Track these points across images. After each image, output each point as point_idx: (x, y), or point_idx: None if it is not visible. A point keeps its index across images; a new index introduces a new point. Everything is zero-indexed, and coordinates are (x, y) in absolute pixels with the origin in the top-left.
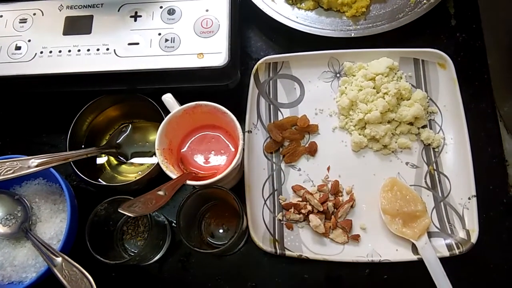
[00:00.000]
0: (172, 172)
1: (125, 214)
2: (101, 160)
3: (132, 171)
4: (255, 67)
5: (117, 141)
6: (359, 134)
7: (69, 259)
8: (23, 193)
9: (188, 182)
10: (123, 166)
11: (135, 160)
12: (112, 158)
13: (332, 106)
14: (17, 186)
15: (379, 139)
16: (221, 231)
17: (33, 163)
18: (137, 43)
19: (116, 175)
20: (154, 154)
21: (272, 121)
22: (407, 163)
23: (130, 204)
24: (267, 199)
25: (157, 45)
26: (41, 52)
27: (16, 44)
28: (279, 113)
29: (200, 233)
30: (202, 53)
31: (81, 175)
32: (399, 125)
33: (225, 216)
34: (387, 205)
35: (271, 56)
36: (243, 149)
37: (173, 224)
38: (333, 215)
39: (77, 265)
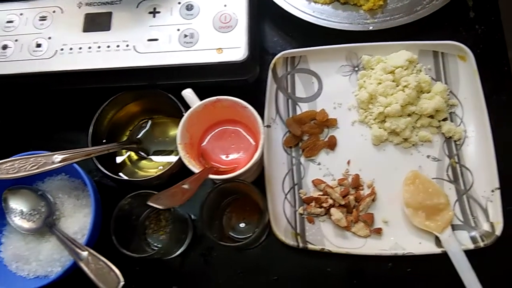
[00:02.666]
0: (194, 167)
1: (149, 208)
2: (122, 155)
3: (152, 166)
4: (273, 61)
5: (137, 137)
6: (379, 128)
7: (95, 253)
8: (46, 189)
9: (211, 176)
10: (143, 161)
11: (155, 156)
12: (132, 154)
13: (351, 100)
14: (39, 182)
15: (400, 132)
16: (242, 225)
17: (57, 158)
18: (156, 39)
19: (136, 170)
20: (173, 150)
21: (290, 116)
22: (428, 156)
23: (157, 197)
24: (287, 193)
25: (177, 41)
26: (62, 49)
27: (37, 42)
28: (297, 107)
29: (221, 227)
30: (221, 48)
31: (105, 171)
32: (420, 118)
33: (246, 210)
34: (409, 199)
35: (289, 50)
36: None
37: (192, 218)
38: (355, 209)
39: (103, 258)
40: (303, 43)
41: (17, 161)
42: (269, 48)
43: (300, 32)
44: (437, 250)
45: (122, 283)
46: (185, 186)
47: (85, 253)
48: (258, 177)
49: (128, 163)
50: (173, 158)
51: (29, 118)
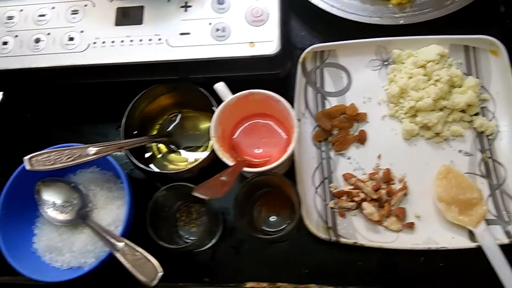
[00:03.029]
0: (228, 160)
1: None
2: (151, 148)
3: (180, 159)
4: (302, 55)
5: (168, 130)
6: (410, 122)
7: (131, 244)
8: (78, 181)
9: (245, 169)
10: (172, 154)
11: (184, 150)
12: (161, 147)
13: (381, 94)
14: (71, 174)
15: (431, 126)
16: (272, 218)
17: (91, 151)
18: (188, 33)
19: (165, 163)
20: (201, 145)
21: (320, 110)
22: (460, 151)
23: (200, 188)
24: (318, 187)
25: (209, 35)
26: (94, 43)
27: (69, 35)
28: (326, 102)
29: (252, 220)
30: (253, 42)
31: (138, 163)
32: (451, 113)
33: (277, 204)
34: (442, 193)
35: (318, 44)
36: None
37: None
38: (386, 203)
39: (140, 249)
40: (331, 38)
41: (53, 153)
42: (296, 42)
43: (327, 26)
44: (471, 245)
45: (160, 273)
46: (223, 178)
47: (121, 244)
48: (287, 171)
49: (158, 156)
50: (201, 153)
51: (57, 112)
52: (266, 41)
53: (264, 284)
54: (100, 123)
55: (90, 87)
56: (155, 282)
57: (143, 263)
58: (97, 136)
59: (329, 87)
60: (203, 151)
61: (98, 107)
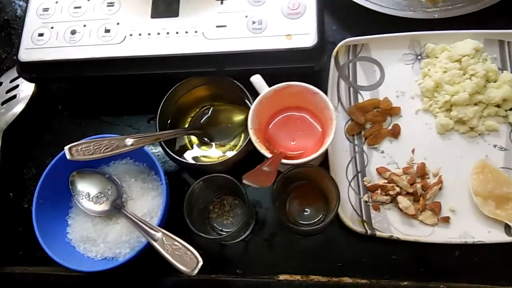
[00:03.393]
0: (266, 152)
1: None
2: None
3: (212, 152)
4: (336, 49)
5: (201, 122)
6: (445, 117)
7: (170, 234)
8: (112, 172)
9: (283, 161)
10: (203, 147)
11: (218, 142)
12: (194, 139)
13: (414, 89)
14: (104, 165)
15: (467, 121)
16: (306, 212)
17: (128, 142)
18: (225, 26)
19: (197, 155)
20: (234, 137)
21: (352, 104)
22: (494, 146)
23: (248, 177)
24: (351, 180)
25: (245, 27)
26: (131, 35)
27: (105, 27)
28: (359, 95)
29: (285, 213)
30: (290, 35)
31: (173, 155)
32: (486, 107)
33: (310, 197)
34: (478, 187)
35: (352, 38)
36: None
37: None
38: (422, 197)
39: (179, 239)
40: (362, 31)
41: (92, 143)
42: (328, 36)
43: (358, 20)
44: (508, 239)
45: (201, 263)
46: (266, 169)
47: (159, 234)
48: (319, 165)
49: (190, 148)
50: (233, 146)
51: (87, 104)
52: (303, 33)
53: (297, 277)
54: (131, 115)
55: (125, 79)
56: (195, 272)
57: (182, 253)
58: (129, 128)
59: (361, 81)
60: (234, 144)
61: (129, 99)
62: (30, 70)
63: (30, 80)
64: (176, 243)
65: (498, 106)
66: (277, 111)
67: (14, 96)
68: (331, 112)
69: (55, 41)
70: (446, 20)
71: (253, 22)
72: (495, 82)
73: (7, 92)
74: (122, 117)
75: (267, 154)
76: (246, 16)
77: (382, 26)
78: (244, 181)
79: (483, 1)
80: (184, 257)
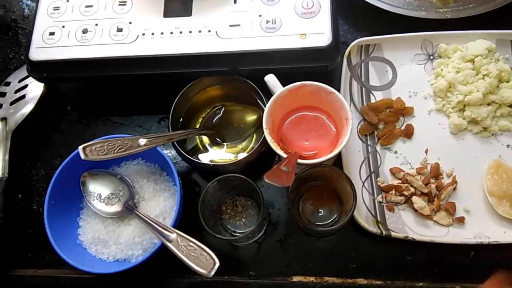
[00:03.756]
0: (281, 152)
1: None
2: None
3: (224, 152)
4: (348, 49)
5: (213, 122)
6: (458, 117)
7: (185, 235)
8: (123, 173)
9: (299, 160)
10: (214, 147)
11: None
12: (205, 139)
13: (426, 89)
14: (115, 166)
15: (480, 121)
16: (320, 212)
17: (142, 142)
18: (238, 25)
19: (209, 155)
20: (246, 138)
21: (364, 104)
22: (508, 146)
23: (269, 176)
24: (364, 181)
25: (259, 26)
26: (143, 34)
27: (118, 26)
28: (371, 95)
29: (299, 213)
30: (304, 34)
31: (186, 155)
32: (499, 107)
33: (324, 198)
34: (493, 187)
35: (364, 38)
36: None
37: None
38: (436, 198)
39: (194, 240)
40: (373, 31)
41: (106, 143)
42: (340, 36)
43: (370, 20)
44: None
45: (217, 264)
46: (284, 168)
47: (173, 235)
48: (332, 164)
49: (201, 148)
50: (244, 147)
51: (97, 104)
52: (317, 33)
53: (311, 278)
54: (141, 116)
55: (137, 79)
56: (212, 273)
57: (198, 254)
58: (139, 128)
59: (374, 81)
60: (246, 144)
61: (138, 100)
62: (41, 70)
63: (40, 79)
64: (192, 244)
65: (511, 106)
66: (291, 110)
67: (23, 96)
68: (347, 112)
69: (67, 40)
70: (458, 20)
71: (267, 21)
72: (507, 82)
73: (16, 92)
74: (132, 117)
75: (283, 154)
76: (260, 15)
77: (394, 26)
78: (266, 180)
79: (495, 1)
80: (200, 258)
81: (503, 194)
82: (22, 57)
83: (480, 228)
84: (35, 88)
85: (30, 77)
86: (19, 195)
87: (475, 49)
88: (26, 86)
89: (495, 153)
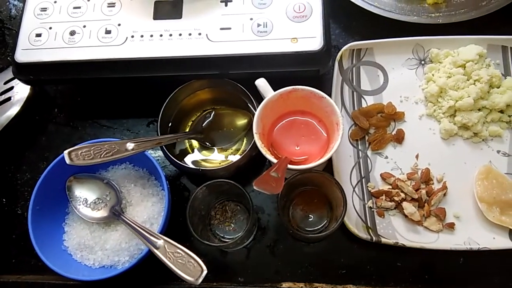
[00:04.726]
0: (271, 157)
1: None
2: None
3: (214, 157)
4: (340, 53)
5: (202, 126)
6: (449, 122)
7: (172, 241)
8: (110, 178)
9: (289, 166)
10: (204, 151)
11: (220, 147)
12: (194, 143)
13: (418, 94)
14: (102, 170)
15: (471, 126)
16: (309, 218)
17: (129, 146)
18: (229, 28)
19: (198, 160)
20: (235, 143)
21: (356, 109)
22: (498, 151)
23: (258, 183)
24: (355, 186)
25: (250, 30)
26: (132, 36)
27: (106, 28)
28: (362, 100)
29: (289, 219)
30: (296, 38)
31: (175, 159)
32: (490, 113)
33: (314, 203)
34: (483, 193)
35: (356, 42)
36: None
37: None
38: (426, 203)
39: (181, 247)
40: (365, 36)
41: (93, 148)
42: (332, 40)
43: (361, 24)
44: None
45: (205, 271)
46: (273, 174)
47: (160, 242)
48: (323, 170)
49: (190, 152)
50: (234, 151)
51: (84, 107)
52: (309, 37)
53: (301, 284)
54: (130, 119)
55: (126, 82)
56: (200, 281)
57: (185, 262)
58: (127, 132)
59: (365, 85)
60: (236, 149)
61: (127, 103)
62: (27, 72)
63: (26, 82)
64: (179, 250)
65: (501, 111)
66: (281, 115)
67: (9, 99)
68: (338, 117)
69: (54, 42)
70: (450, 25)
71: (258, 25)
72: (498, 87)
73: (1, 94)
74: (120, 121)
75: (273, 160)
76: (251, 19)
77: (386, 31)
78: (255, 188)
79: (487, 7)
80: (187, 265)
81: (493, 200)
82: (8, 58)
83: (470, 234)
84: (21, 90)
85: (16, 79)
86: (3, 199)
87: (467, 54)
88: (12, 88)
89: (485, 158)
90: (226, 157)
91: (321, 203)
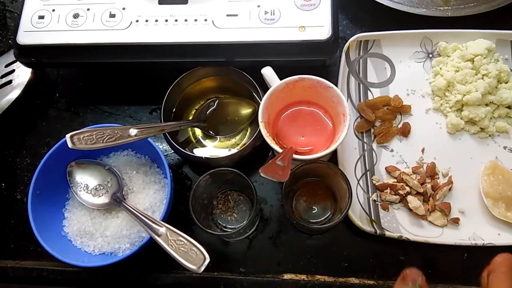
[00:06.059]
0: (276, 146)
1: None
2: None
3: (217, 146)
4: (347, 44)
5: (206, 114)
6: (456, 116)
7: (174, 229)
8: (112, 164)
9: (295, 156)
10: (207, 140)
11: (224, 135)
12: (197, 132)
13: (425, 87)
14: (104, 156)
15: (478, 121)
16: (313, 210)
17: (132, 132)
18: (236, 15)
19: (201, 148)
20: (239, 132)
21: (362, 101)
22: (505, 147)
23: (265, 170)
24: (359, 179)
25: (257, 17)
26: (137, 21)
27: (110, 12)
28: (369, 92)
29: (292, 210)
30: (303, 26)
31: (178, 147)
32: (497, 108)
33: (318, 194)
34: (489, 189)
35: (363, 33)
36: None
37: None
38: (431, 198)
39: (184, 235)
40: (373, 28)
41: (95, 132)
42: (339, 31)
43: (369, 16)
44: None
45: (207, 260)
46: (279, 163)
47: (163, 229)
48: (327, 161)
49: (193, 141)
50: (242, 137)
51: (87, 92)
52: (317, 26)
53: (303, 276)
54: (132, 106)
55: (129, 67)
56: (202, 269)
57: (188, 250)
58: (130, 119)
59: (372, 77)
60: (240, 138)
61: (130, 89)
62: (29, 54)
63: (28, 64)
64: (181, 238)
65: (509, 107)
66: (287, 105)
67: (9, 82)
68: (345, 107)
69: (56, 24)
70: (459, 19)
71: (266, 12)
72: (506, 83)
73: (2, 77)
74: (123, 107)
75: (278, 149)
76: (259, 6)
77: (394, 23)
78: (262, 174)
79: (497, 1)
80: (189, 253)
81: (499, 196)
82: (9, 41)
83: (474, 229)
84: (22, 74)
85: (18, 62)
86: (3, 184)
87: (475, 49)
88: (13, 71)
89: (492, 154)
90: (230, 146)
91: (325, 195)
